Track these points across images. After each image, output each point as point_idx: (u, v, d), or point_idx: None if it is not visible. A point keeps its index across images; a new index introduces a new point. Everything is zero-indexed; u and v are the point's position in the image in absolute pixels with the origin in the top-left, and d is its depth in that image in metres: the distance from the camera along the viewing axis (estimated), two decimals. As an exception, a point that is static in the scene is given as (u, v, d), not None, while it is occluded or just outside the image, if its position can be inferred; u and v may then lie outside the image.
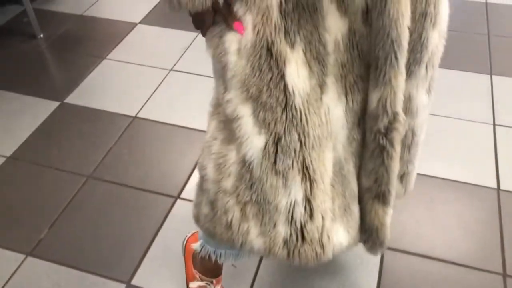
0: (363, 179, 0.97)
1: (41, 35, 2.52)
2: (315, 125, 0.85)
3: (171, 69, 2.28)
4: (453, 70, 2.21)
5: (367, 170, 0.94)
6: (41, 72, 2.30)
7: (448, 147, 1.85)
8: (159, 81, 2.21)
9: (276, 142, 0.86)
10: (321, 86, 0.84)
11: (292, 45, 0.80)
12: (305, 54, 0.81)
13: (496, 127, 1.93)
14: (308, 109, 0.84)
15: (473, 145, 1.85)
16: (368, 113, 0.88)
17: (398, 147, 0.90)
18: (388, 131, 0.88)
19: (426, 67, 0.90)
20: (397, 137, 0.89)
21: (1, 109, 2.08)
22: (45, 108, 2.07)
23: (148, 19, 2.64)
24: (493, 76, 2.18)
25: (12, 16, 2.68)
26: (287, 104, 0.83)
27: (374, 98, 0.85)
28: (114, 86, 2.19)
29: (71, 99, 2.12)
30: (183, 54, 2.37)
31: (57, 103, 2.10)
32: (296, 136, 0.85)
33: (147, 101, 2.10)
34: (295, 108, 0.83)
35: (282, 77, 0.82)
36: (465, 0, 2.69)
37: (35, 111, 2.06)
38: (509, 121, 1.95)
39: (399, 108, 0.86)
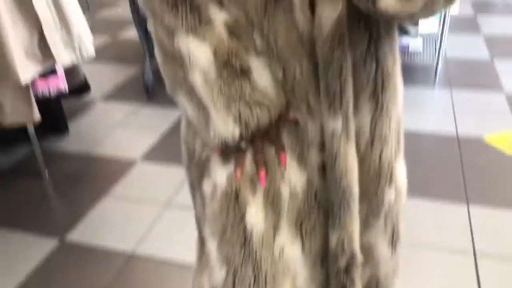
0: None
1: (47, 174, 2.66)
2: (267, 262, 0.95)
3: (170, 204, 2.40)
4: (429, 201, 2.33)
5: None
6: (43, 211, 2.42)
7: (430, 280, 1.90)
8: (158, 217, 2.32)
9: (234, 274, 0.97)
10: (275, 228, 0.96)
11: (254, 193, 0.94)
12: (264, 200, 0.94)
13: (477, 257, 2.00)
14: (263, 247, 0.95)
15: (454, 277, 1.90)
16: (329, 252, 0.98)
17: (359, 287, 0.99)
18: (348, 270, 0.97)
19: (385, 220, 1.02)
20: (357, 277, 0.98)
21: (0, 248, 2.16)
22: (44, 246, 2.16)
23: (148, 155, 2.84)
24: (470, 206, 2.30)
25: (22, 154, 2.87)
26: (245, 240, 0.95)
27: (333, 239, 0.96)
28: (114, 223, 2.30)
29: (72, 236, 2.22)
30: (180, 189, 2.52)
31: (57, 241, 2.19)
32: (250, 270, 0.95)
33: (145, 237, 2.19)
34: (252, 245, 0.95)
35: (243, 217, 0.94)
36: (438, 135, 2.92)
37: (34, 249, 2.14)
38: (489, 250, 2.03)
39: (357, 248, 0.96)
